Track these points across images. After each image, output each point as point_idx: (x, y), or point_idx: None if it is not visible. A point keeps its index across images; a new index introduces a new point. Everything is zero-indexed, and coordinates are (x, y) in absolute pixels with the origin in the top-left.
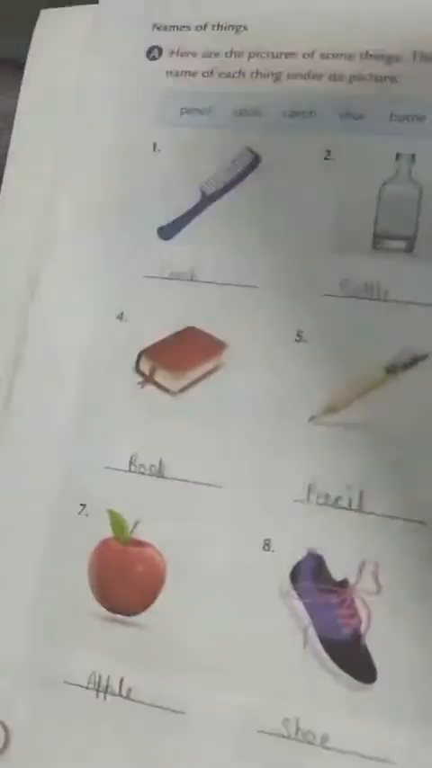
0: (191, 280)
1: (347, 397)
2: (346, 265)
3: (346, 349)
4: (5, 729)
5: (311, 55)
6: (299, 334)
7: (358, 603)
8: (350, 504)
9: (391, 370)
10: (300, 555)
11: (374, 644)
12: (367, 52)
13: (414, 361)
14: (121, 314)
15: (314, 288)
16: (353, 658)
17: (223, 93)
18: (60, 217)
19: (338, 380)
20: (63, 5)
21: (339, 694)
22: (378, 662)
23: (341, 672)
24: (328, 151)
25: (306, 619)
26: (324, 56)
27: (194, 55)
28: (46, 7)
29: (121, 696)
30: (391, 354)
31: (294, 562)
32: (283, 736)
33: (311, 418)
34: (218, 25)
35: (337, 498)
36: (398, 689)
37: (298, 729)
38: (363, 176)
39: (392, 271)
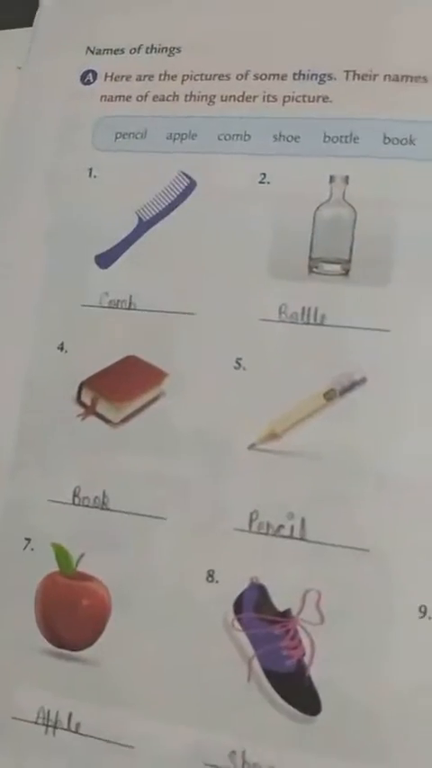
0: (129, 308)
1: (287, 423)
2: (283, 290)
3: (285, 375)
4: None
5: (245, 76)
6: (238, 361)
7: (302, 634)
8: (292, 533)
9: (330, 395)
10: (243, 585)
11: (318, 675)
12: (300, 71)
13: (352, 385)
14: (62, 344)
15: (252, 314)
16: (297, 690)
17: (158, 117)
18: None
19: (278, 407)
20: None
21: (284, 727)
22: (322, 693)
23: (286, 704)
24: (263, 174)
25: (250, 651)
26: (257, 76)
27: (129, 78)
28: None
29: (70, 731)
30: (330, 379)
31: (238, 593)
32: None
33: (251, 446)
34: (152, 47)
35: (279, 527)
36: (342, 720)
37: (244, 762)
38: (298, 199)
39: (329, 295)
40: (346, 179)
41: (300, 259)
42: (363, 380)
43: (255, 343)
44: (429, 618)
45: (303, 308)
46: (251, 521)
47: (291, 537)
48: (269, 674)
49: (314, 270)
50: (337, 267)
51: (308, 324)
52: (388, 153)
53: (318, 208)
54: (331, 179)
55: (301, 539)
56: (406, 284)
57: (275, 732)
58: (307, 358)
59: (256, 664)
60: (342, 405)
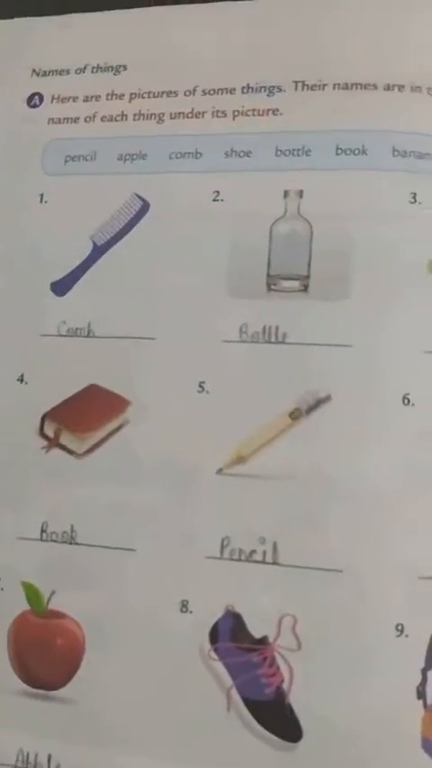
0: (88, 336)
1: (254, 445)
2: (243, 309)
3: (250, 396)
4: None
5: (193, 92)
6: (201, 385)
7: (279, 660)
8: (264, 557)
9: (296, 414)
10: (218, 614)
11: (298, 701)
12: (248, 85)
13: (317, 403)
14: (22, 376)
15: (213, 335)
16: (277, 718)
17: (107, 138)
18: None
19: (244, 429)
20: None
21: (266, 755)
22: (302, 719)
23: (267, 732)
24: (217, 192)
25: (228, 680)
26: (206, 92)
27: (75, 99)
28: None
29: None
30: (295, 398)
31: (213, 622)
32: None
33: (219, 470)
34: (97, 66)
35: (251, 552)
36: (323, 745)
37: None
38: (253, 216)
39: (289, 312)
40: (301, 193)
41: (258, 277)
42: (327, 398)
43: (217, 365)
44: (406, 636)
45: (264, 327)
46: (222, 547)
47: (263, 562)
48: (248, 702)
49: (273, 287)
50: (295, 283)
51: (269, 342)
52: (341, 164)
53: (273, 223)
54: (285, 194)
55: (274, 563)
56: (366, 297)
57: (257, 761)
58: (271, 378)
59: (234, 693)
60: (308, 424)
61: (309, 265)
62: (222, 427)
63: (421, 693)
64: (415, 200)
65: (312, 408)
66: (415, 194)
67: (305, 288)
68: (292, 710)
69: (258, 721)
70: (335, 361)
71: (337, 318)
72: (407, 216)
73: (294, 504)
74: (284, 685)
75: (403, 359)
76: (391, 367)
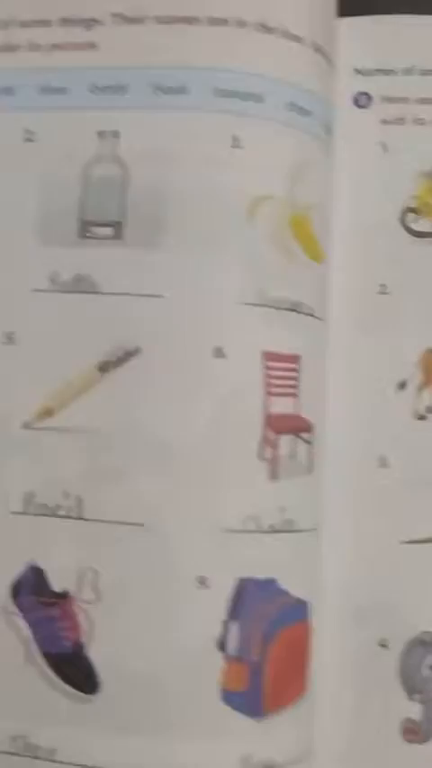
0: None
1: (62, 399)
2: (54, 257)
3: (59, 348)
4: None
5: (7, 25)
6: (9, 336)
7: (79, 614)
8: (69, 513)
9: (104, 367)
10: (21, 569)
11: (97, 654)
12: (66, 17)
13: (126, 356)
14: None
15: (22, 284)
16: (75, 670)
17: None
18: None
19: (52, 382)
20: None
21: (64, 707)
22: (101, 671)
23: (65, 685)
24: (29, 131)
25: (28, 634)
26: (22, 24)
27: None
28: None
29: None
30: (104, 350)
31: (15, 577)
32: (12, 754)
33: (25, 424)
34: None
35: (56, 507)
36: (121, 698)
37: (26, 745)
38: (66, 158)
39: (102, 261)
40: (116, 134)
41: (70, 222)
42: (137, 350)
43: (27, 315)
44: (208, 588)
45: (75, 276)
46: (27, 503)
47: (68, 516)
48: (48, 656)
49: (85, 234)
50: (108, 230)
51: (81, 292)
52: (159, 104)
53: (87, 166)
54: (100, 135)
55: (79, 518)
56: (181, 245)
57: (56, 713)
58: (81, 329)
59: (34, 647)
60: (117, 377)
61: (123, 211)
62: (30, 379)
63: (222, 645)
64: (237, 144)
65: (122, 361)
66: (237, 137)
67: (119, 235)
68: (89, 662)
69: (56, 674)
70: (146, 313)
71: (150, 267)
72: (228, 160)
73: (101, 458)
74: (83, 638)
75: (217, 310)
76: (204, 319)
